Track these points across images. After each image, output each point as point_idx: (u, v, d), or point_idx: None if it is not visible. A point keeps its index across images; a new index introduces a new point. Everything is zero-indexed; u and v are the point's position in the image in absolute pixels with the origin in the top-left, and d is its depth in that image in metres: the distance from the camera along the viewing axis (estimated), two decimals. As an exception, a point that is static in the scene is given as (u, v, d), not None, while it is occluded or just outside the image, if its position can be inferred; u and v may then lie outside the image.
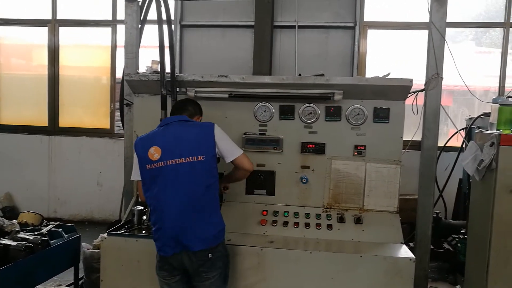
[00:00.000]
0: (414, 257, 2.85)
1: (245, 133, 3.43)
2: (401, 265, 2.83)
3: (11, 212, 6.99)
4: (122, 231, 3.21)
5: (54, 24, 6.98)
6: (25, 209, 7.10)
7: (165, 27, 3.29)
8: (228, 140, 2.72)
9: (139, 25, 3.92)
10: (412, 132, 3.98)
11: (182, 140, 2.59)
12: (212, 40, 6.62)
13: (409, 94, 3.40)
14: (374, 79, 3.18)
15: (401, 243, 3.13)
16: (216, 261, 2.58)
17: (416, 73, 3.71)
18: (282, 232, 3.25)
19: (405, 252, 2.95)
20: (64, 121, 7.12)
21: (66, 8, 7.00)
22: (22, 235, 3.15)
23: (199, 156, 2.56)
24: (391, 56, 6.35)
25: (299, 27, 6.25)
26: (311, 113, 3.37)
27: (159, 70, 3.31)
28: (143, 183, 2.64)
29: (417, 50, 6.18)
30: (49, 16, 6.99)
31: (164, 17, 3.27)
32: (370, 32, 6.34)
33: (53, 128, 7.09)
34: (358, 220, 3.27)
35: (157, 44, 3.23)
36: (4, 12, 7.18)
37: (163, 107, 3.22)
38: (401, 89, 3.18)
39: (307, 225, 3.28)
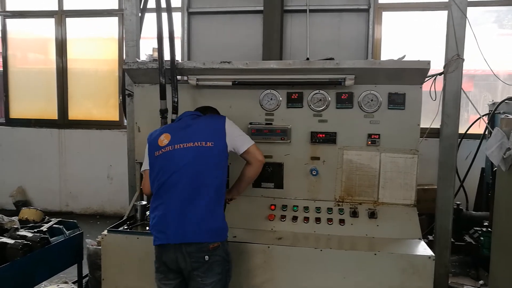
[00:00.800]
0: (433, 255, 2.62)
1: (250, 123, 3.24)
2: (419, 263, 2.61)
3: (24, 205, 6.98)
4: (124, 227, 3.08)
5: (61, 15, 6.87)
6: (38, 203, 7.23)
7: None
8: (240, 131, 2.65)
9: (139, 13, 3.73)
10: (430, 119, 3.71)
11: (192, 127, 2.53)
12: (221, 27, 6.41)
13: (427, 78, 3.14)
14: (388, 62, 2.94)
15: (419, 239, 2.91)
16: (213, 266, 2.38)
17: (435, 58, 3.43)
18: (291, 228, 3.06)
19: (423, 249, 2.73)
20: (74, 114, 7.07)
21: (73, -1, 6.89)
22: (21, 232, 3.04)
23: (208, 142, 2.45)
24: (407, 40, 6.02)
25: (310, 11, 6.00)
26: (320, 100, 3.15)
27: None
28: (151, 171, 2.52)
29: (436, 32, 5.87)
30: (55, 7, 6.88)
31: (164, 3, 3.06)
32: (385, 15, 6.02)
33: (63, 121, 7.04)
34: (372, 215, 3.05)
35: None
36: (11, 5, 7.10)
37: (162, 96, 3.04)
38: (418, 72, 2.93)
39: (317, 220, 3.08)
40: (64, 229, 3.32)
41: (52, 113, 7.10)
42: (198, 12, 6.47)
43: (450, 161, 3.38)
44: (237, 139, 2.57)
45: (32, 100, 7.23)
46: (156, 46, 3.18)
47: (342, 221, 3.05)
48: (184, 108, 3.03)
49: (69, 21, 6.91)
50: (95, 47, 6.95)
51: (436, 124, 3.67)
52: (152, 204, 2.50)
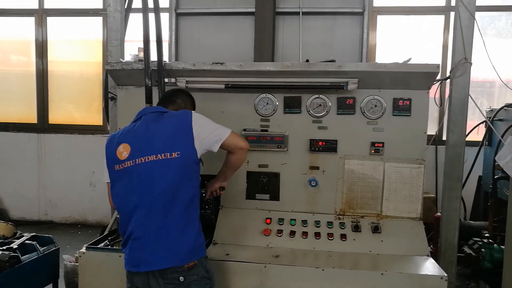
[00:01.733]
0: (446, 275, 2.40)
1: (244, 129, 2.99)
2: (431, 284, 2.39)
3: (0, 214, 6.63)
4: (104, 243, 2.79)
5: (41, 14, 6.53)
6: (14, 212, 6.86)
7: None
8: (210, 125, 2.24)
9: (124, 12, 3.46)
10: (430, 126, 3.52)
11: (154, 135, 2.16)
12: (210, 29, 6.18)
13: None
14: (393, 65, 2.73)
15: (427, 255, 2.69)
16: (191, 286, 2.11)
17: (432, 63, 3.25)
18: (289, 244, 2.82)
19: (433, 268, 2.51)
20: (54, 118, 6.72)
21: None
22: (-12, 250, 2.72)
23: (173, 153, 2.11)
24: (403, 45, 5.86)
25: (303, 13, 5.83)
26: (320, 105, 2.92)
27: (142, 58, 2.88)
28: (112, 185, 2.22)
29: (431, 37, 5.74)
30: (36, 5, 6.54)
31: (151, 3, 2.81)
32: (380, 18, 5.86)
33: (42, 126, 6.68)
34: (376, 229, 2.83)
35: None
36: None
37: (148, 100, 2.77)
38: (426, 76, 2.73)
39: (317, 235, 2.84)
40: (38, 246, 3.01)
41: (31, 117, 6.74)
42: (186, 13, 6.23)
43: (457, 171, 3.19)
44: (208, 140, 2.19)
45: (10, 103, 6.85)
46: (142, 46, 2.93)
47: (343, 236, 2.82)
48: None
49: (51, 20, 6.57)
50: (78, 49, 6.62)
51: (431, 131, 3.47)
52: (119, 223, 2.23)
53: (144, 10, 2.79)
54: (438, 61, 5.43)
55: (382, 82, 2.81)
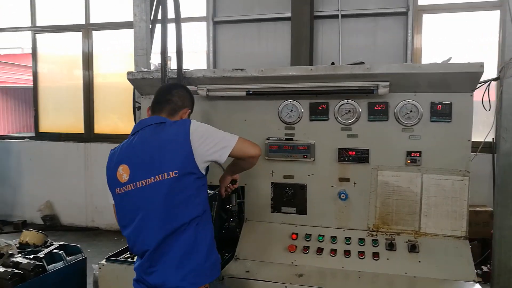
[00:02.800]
0: (493, 305, 2.08)
1: (268, 138, 2.83)
2: (474, 316, 2.09)
3: (51, 220, 6.94)
4: (124, 255, 2.74)
5: (87, 29, 6.81)
6: (65, 218, 7.14)
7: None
8: (213, 135, 2.05)
9: (150, 24, 3.44)
10: (481, 131, 3.16)
11: (150, 153, 2.01)
12: (248, 36, 6.11)
13: (479, 85, 2.62)
14: (430, 65, 2.45)
15: (473, 281, 2.36)
16: None
17: (488, 64, 2.91)
18: (315, 262, 2.60)
19: (480, 297, 2.20)
20: (100, 127, 6.95)
21: (99, 12, 6.81)
22: (16, 258, 2.76)
23: (171, 172, 1.96)
24: (452, 45, 5.42)
25: (343, 16, 5.60)
26: (349, 111, 2.70)
27: (171, 67, 2.83)
28: (117, 208, 2.11)
29: (486, 36, 5.26)
30: (82, 21, 6.83)
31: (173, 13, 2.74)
32: (426, 18, 5.47)
33: (89, 135, 6.92)
34: (413, 248, 2.55)
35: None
36: (41, 20, 7.13)
37: (165, 109, 2.69)
38: (468, 77, 2.42)
39: (346, 252, 2.61)
40: (64, 255, 3.02)
41: (79, 127, 7.02)
42: (223, 21, 6.20)
43: (511, 184, 2.81)
44: (211, 152, 2.01)
45: (60, 114, 7.20)
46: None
47: (376, 255, 2.56)
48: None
49: (96, 34, 6.83)
50: (121, 61, 6.82)
51: (488, 137, 3.11)
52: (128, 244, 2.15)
53: (163, 20, 2.72)
54: (494, 61, 4.95)
55: (418, 85, 2.54)
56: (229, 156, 2.08)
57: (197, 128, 2.03)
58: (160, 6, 2.73)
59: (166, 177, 1.96)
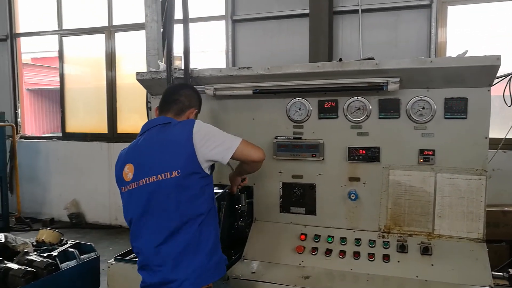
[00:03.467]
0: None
1: (276, 137, 2.78)
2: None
3: (77, 218, 7.14)
4: (132, 255, 2.76)
5: (110, 30, 6.95)
6: (90, 216, 7.33)
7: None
8: (216, 136, 2.05)
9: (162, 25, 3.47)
10: (507, 127, 2.99)
11: (155, 153, 2.03)
12: (267, 34, 6.06)
13: (498, 79, 2.48)
14: (442, 60, 2.35)
15: (489, 286, 2.24)
16: None
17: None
18: (324, 264, 2.54)
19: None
20: (122, 127, 7.08)
21: (121, 14, 6.93)
22: (31, 256, 2.84)
23: (174, 172, 1.96)
24: (478, 38, 5.18)
25: (363, 11, 5.46)
26: (359, 109, 2.61)
27: (181, 67, 2.83)
28: (123, 207, 2.14)
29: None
30: (105, 23, 6.98)
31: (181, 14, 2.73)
32: (451, 10, 5.24)
33: (112, 135, 7.07)
34: (425, 250, 2.44)
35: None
36: (66, 23, 7.34)
37: (171, 109, 2.69)
38: (484, 70, 2.29)
39: (356, 254, 2.53)
40: (77, 253, 3.08)
41: (103, 127, 7.18)
42: (243, 19, 6.17)
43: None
44: (214, 153, 2.00)
45: (86, 115, 7.40)
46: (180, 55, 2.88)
47: (386, 257, 2.47)
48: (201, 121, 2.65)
49: (118, 36, 6.96)
50: (141, 61, 6.87)
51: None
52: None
53: (169, 21, 2.72)
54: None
55: (431, 80, 2.42)
56: (232, 158, 2.07)
57: (200, 129, 2.04)
58: (166, 6, 2.72)
59: (169, 176, 1.97)
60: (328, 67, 2.51)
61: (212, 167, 2.11)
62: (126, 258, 2.70)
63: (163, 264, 2.01)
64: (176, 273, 1.99)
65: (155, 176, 1.99)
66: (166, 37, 2.70)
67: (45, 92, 12.84)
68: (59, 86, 7.46)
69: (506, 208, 4.80)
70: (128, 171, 2.07)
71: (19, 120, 7.74)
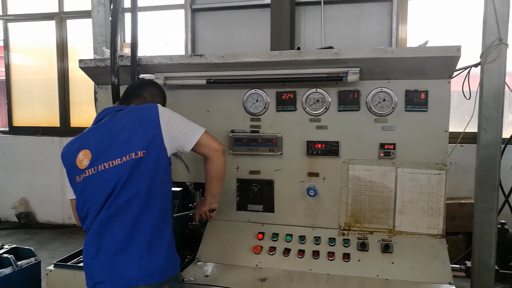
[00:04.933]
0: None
1: (232, 131, 2.62)
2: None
3: (26, 218, 6.70)
4: (76, 259, 2.52)
5: (61, 17, 6.51)
6: (40, 215, 6.90)
7: None
8: (180, 121, 1.96)
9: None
10: (465, 122, 2.96)
11: (115, 135, 1.87)
12: (227, 24, 5.86)
13: (458, 71, 2.43)
14: (403, 50, 2.27)
15: (449, 283, 2.18)
16: None
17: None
18: (282, 264, 2.41)
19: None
20: (76, 121, 6.68)
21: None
22: (-41, 264, 2.53)
23: (139, 152, 1.82)
24: (440, 33, 5.20)
25: (325, 2, 5.36)
26: (318, 101, 2.49)
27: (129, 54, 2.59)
28: (76, 200, 1.93)
29: (475, 21, 5.03)
30: (56, 9, 6.53)
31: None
32: (411, 4, 5.24)
33: (65, 129, 6.66)
34: (386, 248, 2.36)
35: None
36: (13, 9, 6.82)
37: (115, 99, 2.47)
38: (444, 61, 2.21)
39: (315, 254, 2.41)
40: (13, 259, 2.79)
41: (54, 120, 6.75)
42: (202, 8, 5.94)
43: (492, 177, 2.62)
44: (179, 138, 1.91)
45: (34, 107, 6.93)
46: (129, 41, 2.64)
47: (346, 256, 2.37)
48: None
49: (70, 23, 6.53)
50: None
51: (473, 128, 2.91)
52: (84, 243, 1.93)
53: (115, 5, 2.48)
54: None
55: (392, 71, 2.33)
56: (193, 149, 1.96)
57: (165, 111, 1.94)
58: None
59: (133, 157, 1.82)
60: (285, 56, 2.36)
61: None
62: (67, 264, 2.46)
63: (119, 260, 1.82)
64: (132, 270, 1.81)
65: (119, 159, 1.82)
66: (111, 22, 2.45)
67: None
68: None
69: (462, 201, 4.89)
70: (84, 158, 1.88)
71: (-40, 113, 7.16)
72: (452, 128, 2.39)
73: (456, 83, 2.41)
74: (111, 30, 2.45)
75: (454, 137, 2.66)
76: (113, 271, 1.81)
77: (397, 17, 5.19)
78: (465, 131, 2.95)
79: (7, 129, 7.08)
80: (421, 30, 5.25)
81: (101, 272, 1.84)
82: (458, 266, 3.84)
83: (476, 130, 2.71)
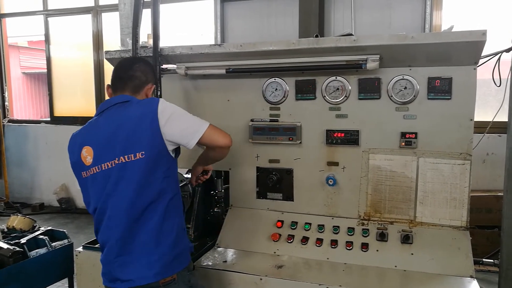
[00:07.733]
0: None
1: (252, 120, 2.64)
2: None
3: (67, 203, 7.04)
4: (103, 243, 2.64)
5: (96, 10, 6.73)
6: (79, 201, 7.22)
7: None
8: (182, 118, 1.92)
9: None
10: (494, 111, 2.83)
11: (116, 133, 1.87)
12: (257, 13, 5.85)
13: (486, 58, 2.32)
14: (425, 35, 2.19)
15: (471, 277, 2.12)
16: None
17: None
18: (299, 252, 2.42)
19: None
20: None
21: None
22: (-1, 243, 2.73)
23: (138, 153, 1.82)
24: (475, 17, 4.96)
25: (356, -9, 5.24)
26: (338, 89, 2.46)
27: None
28: (84, 194, 1.99)
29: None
30: (92, 3, 6.76)
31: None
32: (447, -11, 5.03)
33: (101, 118, 6.90)
34: (406, 238, 2.31)
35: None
36: (52, 3, 7.12)
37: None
38: (469, 47, 2.12)
39: (333, 243, 2.41)
40: (48, 240, 2.97)
41: (91, 110, 7.01)
42: (232, -1, 5.96)
43: (521, 169, 2.50)
44: (179, 136, 1.87)
45: (73, 98, 7.24)
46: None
47: (365, 246, 2.35)
48: (174, 102, 2.48)
49: (105, 16, 6.75)
50: (129, 42, 6.73)
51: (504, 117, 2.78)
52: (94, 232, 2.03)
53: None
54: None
55: (414, 58, 2.26)
56: (197, 143, 1.93)
57: (165, 108, 1.88)
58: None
59: (132, 158, 1.83)
60: (303, 44, 2.34)
61: (177, 151, 1.98)
62: (95, 246, 2.58)
63: (125, 254, 1.89)
64: (138, 264, 1.87)
65: (117, 159, 1.85)
66: (133, 14, 2.52)
67: (43, 76, 12.56)
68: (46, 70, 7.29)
69: (499, 194, 4.66)
70: (87, 155, 1.91)
71: (6, 103, 7.58)
72: (479, 117, 2.30)
73: (481, 71, 2.29)
74: (133, 21, 2.52)
75: (483, 127, 2.56)
76: (119, 268, 1.89)
77: (431, 3, 5.00)
78: (500, 120, 2.82)
79: (48, 119, 7.44)
80: (456, 16, 5.02)
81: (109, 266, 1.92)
82: (492, 260, 3.70)
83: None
